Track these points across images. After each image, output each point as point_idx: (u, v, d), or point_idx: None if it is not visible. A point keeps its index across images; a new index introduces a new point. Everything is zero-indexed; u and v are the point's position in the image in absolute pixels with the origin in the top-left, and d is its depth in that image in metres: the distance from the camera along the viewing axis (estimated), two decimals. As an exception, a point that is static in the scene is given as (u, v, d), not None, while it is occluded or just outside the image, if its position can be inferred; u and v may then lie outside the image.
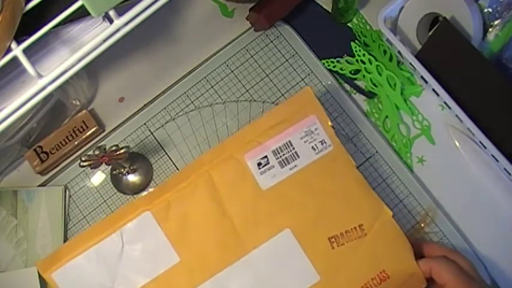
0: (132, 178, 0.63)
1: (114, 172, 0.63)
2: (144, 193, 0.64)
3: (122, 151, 0.55)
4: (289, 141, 0.55)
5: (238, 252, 0.54)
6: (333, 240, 0.53)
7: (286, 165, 0.54)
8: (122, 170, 0.62)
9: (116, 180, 0.64)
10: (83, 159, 0.54)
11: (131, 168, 0.63)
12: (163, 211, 0.54)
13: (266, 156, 0.55)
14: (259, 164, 0.54)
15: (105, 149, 0.54)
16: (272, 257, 0.53)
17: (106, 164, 0.56)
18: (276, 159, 0.54)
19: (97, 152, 0.54)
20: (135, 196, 0.64)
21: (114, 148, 0.55)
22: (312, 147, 0.55)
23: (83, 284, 0.53)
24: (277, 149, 0.55)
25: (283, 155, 0.55)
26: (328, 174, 0.55)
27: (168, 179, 0.55)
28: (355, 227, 0.53)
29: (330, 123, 0.55)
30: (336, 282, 0.53)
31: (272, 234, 0.54)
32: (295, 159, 0.55)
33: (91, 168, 0.56)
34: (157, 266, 0.53)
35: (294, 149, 0.55)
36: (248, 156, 0.55)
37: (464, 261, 0.51)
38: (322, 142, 0.55)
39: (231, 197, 0.54)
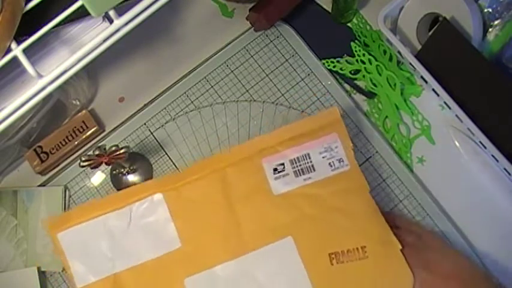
0: (132, 178, 0.63)
1: (114, 172, 0.63)
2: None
3: (121, 151, 0.55)
4: (308, 154, 0.55)
5: (238, 250, 0.54)
6: (333, 256, 0.53)
7: (300, 175, 0.55)
8: (122, 170, 0.62)
9: (116, 180, 0.64)
10: (83, 159, 0.54)
11: (131, 168, 0.63)
12: (175, 197, 0.55)
13: (283, 164, 0.55)
14: (275, 170, 0.55)
15: (105, 149, 0.54)
16: (269, 262, 0.54)
17: (106, 164, 0.56)
18: (292, 168, 0.55)
19: (97, 152, 0.54)
20: (135, 196, 0.64)
21: (114, 148, 0.55)
22: (329, 163, 0.55)
23: (84, 250, 0.55)
24: (295, 159, 0.55)
25: (300, 165, 0.55)
26: (340, 193, 0.55)
27: (185, 169, 0.56)
28: (357, 248, 0.53)
29: (351, 145, 0.56)
30: None
31: (274, 239, 0.54)
32: (311, 171, 0.55)
33: (91, 168, 0.56)
34: (159, 247, 0.55)
35: (311, 161, 0.55)
36: (265, 161, 0.56)
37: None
38: (339, 160, 0.55)
39: (242, 196, 0.55)
